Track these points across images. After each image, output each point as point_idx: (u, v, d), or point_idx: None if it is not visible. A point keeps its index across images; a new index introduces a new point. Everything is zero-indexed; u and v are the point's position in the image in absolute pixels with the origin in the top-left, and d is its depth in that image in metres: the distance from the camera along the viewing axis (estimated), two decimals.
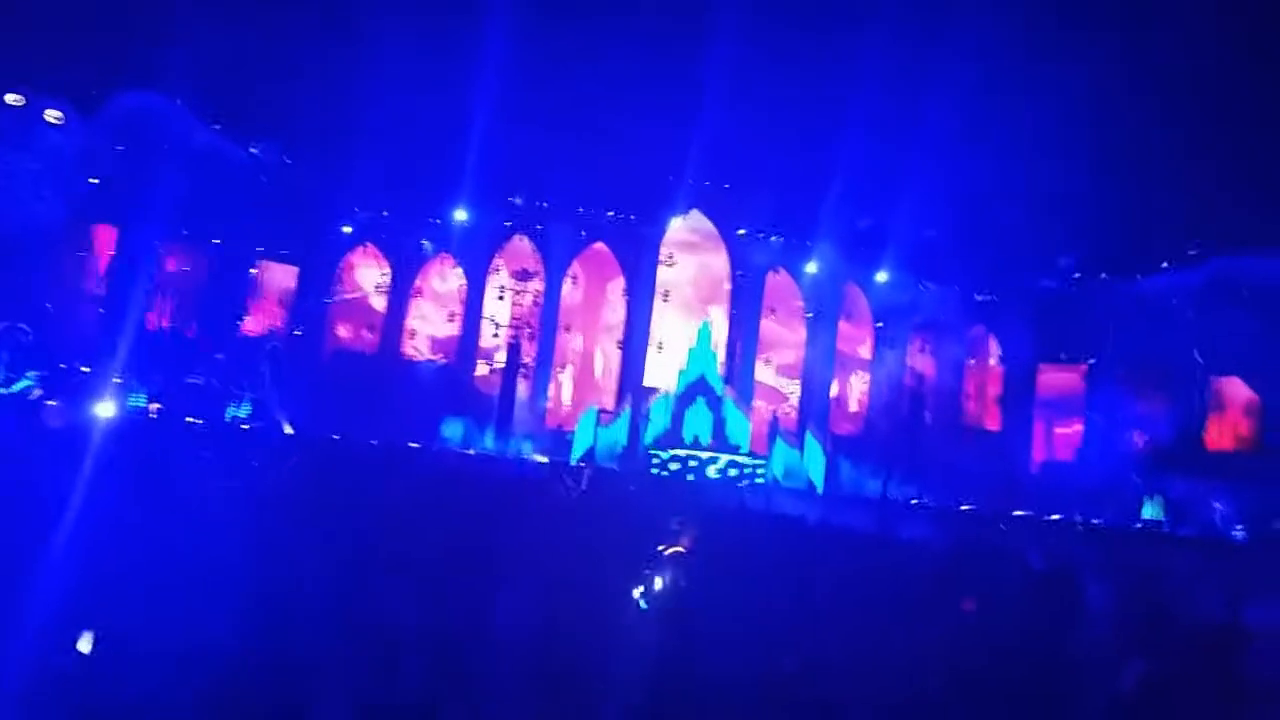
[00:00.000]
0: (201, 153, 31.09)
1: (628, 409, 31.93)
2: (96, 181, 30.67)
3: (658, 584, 8.50)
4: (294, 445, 21.31)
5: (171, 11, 29.99)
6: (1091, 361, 35.52)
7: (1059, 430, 36.69)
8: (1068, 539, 21.93)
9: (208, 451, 16.40)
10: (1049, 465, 35.46)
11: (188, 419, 24.54)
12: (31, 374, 26.53)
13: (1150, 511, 27.98)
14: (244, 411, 28.96)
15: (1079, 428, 35.88)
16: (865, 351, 37.54)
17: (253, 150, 33.11)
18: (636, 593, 8.39)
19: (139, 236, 31.45)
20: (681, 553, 8.92)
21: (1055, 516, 26.53)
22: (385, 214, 34.78)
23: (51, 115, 29.92)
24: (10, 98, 29.26)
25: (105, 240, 32.13)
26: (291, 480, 14.88)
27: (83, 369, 27.79)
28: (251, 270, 34.00)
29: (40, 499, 9.83)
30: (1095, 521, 26.19)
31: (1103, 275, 35.88)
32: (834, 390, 37.12)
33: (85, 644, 5.97)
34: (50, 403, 24.96)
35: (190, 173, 30.31)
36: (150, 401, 27.24)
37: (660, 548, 9.03)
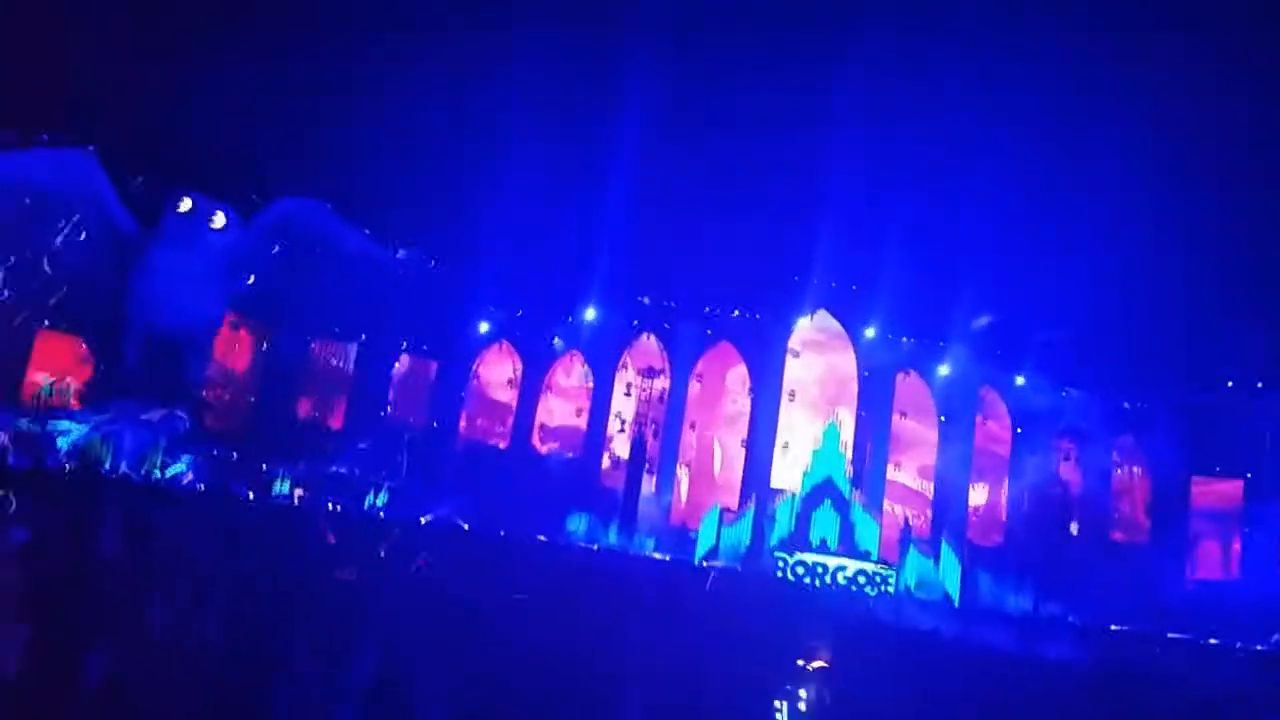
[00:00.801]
0: (352, 255, 33.00)
1: (752, 509, 31.45)
2: (253, 280, 32.65)
3: (802, 698, 8.25)
4: (428, 535, 21.74)
5: (333, 126, 32.36)
6: (1249, 475, 33.41)
7: (1215, 547, 34.35)
8: (1229, 664, 20.30)
9: (342, 539, 16.91)
10: (1204, 584, 33.13)
11: (329, 504, 25.43)
12: (185, 458, 27.98)
13: None
14: (382, 500, 29.86)
15: (1236, 545, 33.55)
16: (1004, 458, 36.15)
17: (399, 254, 34.88)
18: (779, 706, 8.15)
19: (291, 332, 33.36)
20: (825, 667, 8.66)
21: (1213, 640, 24.60)
22: (520, 313, 35.92)
23: (215, 219, 32.15)
24: (182, 204, 31.59)
25: (259, 335, 34.00)
26: (422, 569, 15.16)
27: (233, 455, 29.20)
28: (395, 365, 35.41)
29: (188, 575, 10.30)
30: (1259, 647, 24.16)
31: (1259, 384, 33.94)
32: (974, 498, 35.77)
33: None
34: (200, 487, 26.23)
35: (341, 274, 32.25)
36: (295, 488, 28.36)
37: (801, 662, 8.79)
